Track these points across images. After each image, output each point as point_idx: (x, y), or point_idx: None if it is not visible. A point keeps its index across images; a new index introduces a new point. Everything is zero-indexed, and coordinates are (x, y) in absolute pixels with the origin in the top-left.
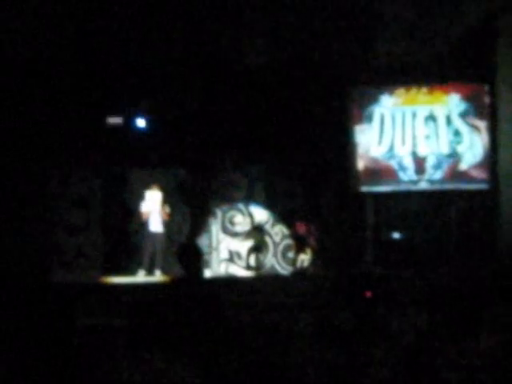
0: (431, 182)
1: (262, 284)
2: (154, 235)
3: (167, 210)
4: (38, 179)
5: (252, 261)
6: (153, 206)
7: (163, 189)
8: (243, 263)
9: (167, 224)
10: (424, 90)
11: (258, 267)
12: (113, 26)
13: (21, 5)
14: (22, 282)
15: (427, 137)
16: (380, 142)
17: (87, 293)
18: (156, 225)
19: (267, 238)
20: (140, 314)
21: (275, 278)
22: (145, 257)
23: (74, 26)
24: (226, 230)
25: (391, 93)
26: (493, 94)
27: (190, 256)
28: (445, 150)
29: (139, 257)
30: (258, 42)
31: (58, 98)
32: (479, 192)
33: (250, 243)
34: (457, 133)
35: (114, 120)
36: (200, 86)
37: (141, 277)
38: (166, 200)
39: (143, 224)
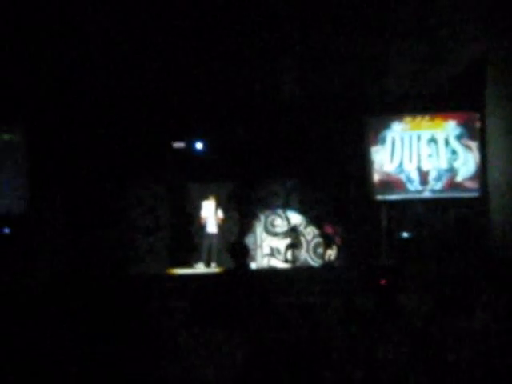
0: (433, 191)
1: (297, 274)
2: (211, 235)
3: (220, 215)
4: (119, 192)
5: (289, 255)
6: (209, 213)
7: (217, 198)
8: (282, 257)
9: (221, 227)
10: (427, 117)
11: (294, 261)
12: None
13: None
14: (105, 274)
15: (430, 155)
16: (391, 159)
17: (157, 281)
18: (212, 227)
19: (301, 237)
20: (199, 298)
21: (308, 269)
22: (203, 253)
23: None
24: (267, 231)
25: (400, 120)
26: (483, 120)
27: (239, 252)
28: (444, 165)
29: (198, 253)
30: (291, 82)
31: (136, 128)
32: (472, 199)
33: (287, 241)
34: (454, 152)
35: (178, 144)
36: (245, 116)
37: (200, 269)
38: (220, 207)
39: (202, 226)
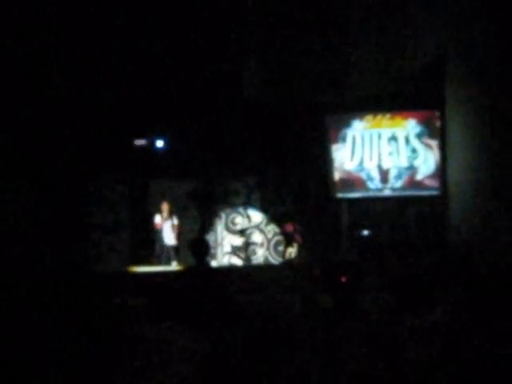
0: (393, 189)
1: (258, 272)
2: (169, 247)
3: (175, 221)
4: (78, 189)
5: (250, 253)
6: (165, 218)
7: (177, 196)
8: (242, 255)
9: (178, 235)
10: (387, 116)
11: (255, 258)
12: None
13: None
14: (64, 272)
15: (390, 153)
16: (352, 157)
17: (117, 279)
18: (169, 239)
19: (261, 235)
20: (159, 295)
21: (268, 267)
22: (161, 259)
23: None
24: (228, 229)
25: (361, 118)
26: (442, 118)
27: (200, 249)
28: (404, 163)
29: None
30: (252, 80)
31: (98, 125)
32: (432, 197)
33: (247, 239)
34: (414, 150)
35: (140, 142)
36: (207, 114)
37: (161, 267)
38: (174, 214)
39: (157, 233)
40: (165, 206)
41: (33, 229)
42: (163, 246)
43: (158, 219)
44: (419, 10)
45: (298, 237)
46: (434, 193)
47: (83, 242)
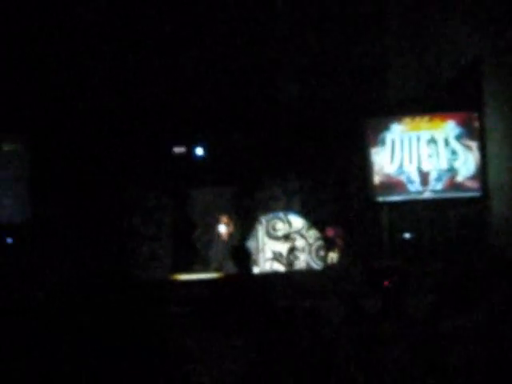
0: (434, 192)
1: (300, 277)
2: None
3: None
4: (120, 198)
5: (291, 259)
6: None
7: (219, 203)
8: (284, 261)
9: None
10: (426, 118)
11: (297, 264)
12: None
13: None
14: (108, 281)
15: (430, 156)
16: (392, 161)
17: (160, 287)
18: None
19: (303, 240)
20: (203, 302)
21: (311, 272)
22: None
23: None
24: (269, 235)
25: (399, 121)
26: (481, 119)
27: (242, 256)
28: (444, 165)
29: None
30: (290, 84)
31: (137, 135)
32: (473, 199)
33: (289, 245)
34: (453, 152)
35: (179, 150)
36: (246, 121)
37: (203, 274)
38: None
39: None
40: (224, 219)
41: (77, 240)
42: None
43: (222, 229)
44: (456, 12)
45: (339, 241)
46: (474, 194)
47: (126, 250)
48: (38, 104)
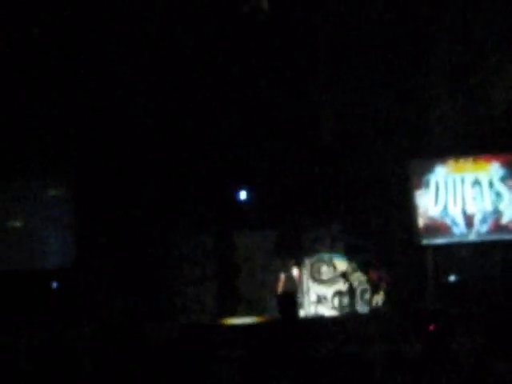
0: (479, 234)
1: (345, 321)
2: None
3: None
4: (165, 244)
5: (336, 302)
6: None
7: (262, 247)
8: (329, 304)
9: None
10: (470, 160)
11: (341, 307)
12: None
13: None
14: (155, 325)
15: (474, 198)
16: (436, 203)
17: (211, 331)
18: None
19: (347, 284)
20: (250, 347)
21: (355, 316)
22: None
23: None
24: (314, 278)
25: (443, 163)
26: None
27: (289, 304)
28: (489, 207)
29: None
30: (333, 127)
31: (181, 179)
32: None
33: (334, 288)
34: (498, 194)
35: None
36: (288, 164)
37: (248, 319)
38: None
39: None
40: (293, 264)
41: (121, 284)
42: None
43: (296, 272)
44: (500, 52)
45: (383, 284)
46: None
47: (170, 294)
48: (84, 149)
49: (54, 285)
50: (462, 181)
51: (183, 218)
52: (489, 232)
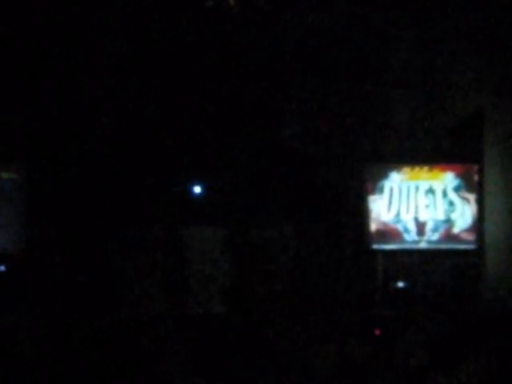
0: (430, 242)
1: (296, 322)
2: None
3: None
4: (116, 233)
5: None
6: None
7: (212, 243)
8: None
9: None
10: (425, 168)
11: None
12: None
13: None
14: (101, 316)
15: (427, 206)
16: (389, 209)
17: (154, 323)
18: None
19: None
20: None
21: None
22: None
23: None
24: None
25: (399, 170)
26: (480, 172)
27: (235, 297)
28: (441, 216)
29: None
30: (290, 128)
31: (136, 171)
32: (468, 251)
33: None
34: (451, 203)
35: (177, 189)
36: (242, 162)
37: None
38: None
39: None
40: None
41: (70, 272)
42: None
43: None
44: (459, 62)
45: None
46: (470, 247)
47: (119, 285)
48: (37, 134)
49: (2, 268)
50: (417, 188)
51: (136, 209)
52: (440, 240)
